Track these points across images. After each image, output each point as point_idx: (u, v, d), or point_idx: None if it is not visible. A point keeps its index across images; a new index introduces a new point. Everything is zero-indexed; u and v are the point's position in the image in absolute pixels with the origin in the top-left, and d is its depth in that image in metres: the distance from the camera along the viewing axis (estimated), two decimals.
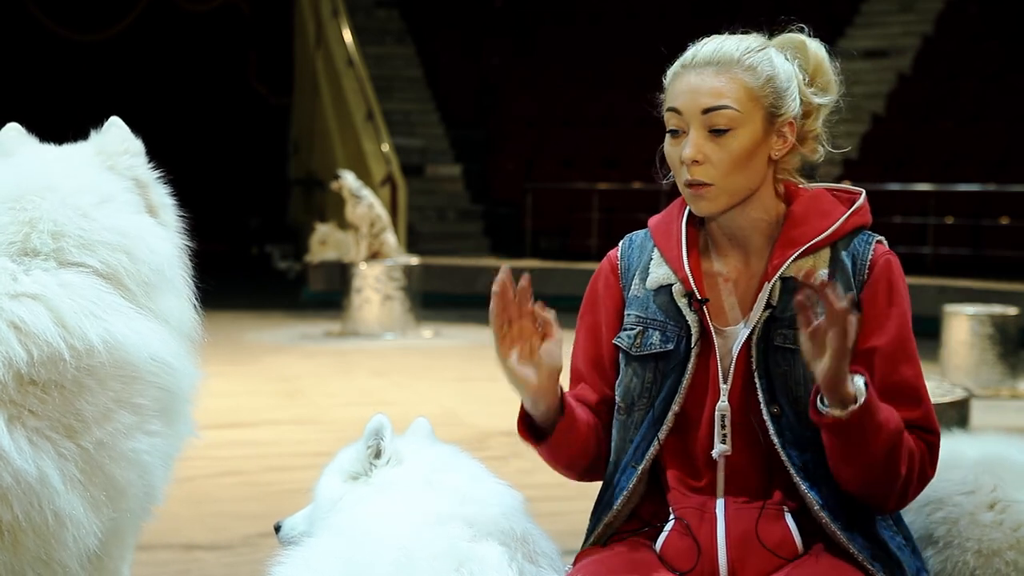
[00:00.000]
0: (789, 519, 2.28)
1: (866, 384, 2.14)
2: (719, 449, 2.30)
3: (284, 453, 6.47)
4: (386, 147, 15.72)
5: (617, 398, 2.40)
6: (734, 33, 2.36)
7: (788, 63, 2.32)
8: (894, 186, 13.94)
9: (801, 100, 2.32)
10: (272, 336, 11.76)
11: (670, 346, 2.34)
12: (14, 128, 2.53)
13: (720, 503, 2.30)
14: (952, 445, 2.57)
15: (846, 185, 2.46)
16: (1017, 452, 2.72)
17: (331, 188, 12.50)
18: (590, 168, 16.04)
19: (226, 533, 4.96)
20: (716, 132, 2.26)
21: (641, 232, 2.50)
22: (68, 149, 2.52)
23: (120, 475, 2.25)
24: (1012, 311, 8.84)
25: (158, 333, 2.34)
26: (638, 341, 2.36)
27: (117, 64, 20.54)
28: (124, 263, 2.34)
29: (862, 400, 2.13)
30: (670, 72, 2.34)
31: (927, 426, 2.27)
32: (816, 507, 2.24)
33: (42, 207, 2.32)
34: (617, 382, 2.40)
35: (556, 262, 14.66)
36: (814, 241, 2.31)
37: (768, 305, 2.29)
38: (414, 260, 12.21)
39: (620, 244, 2.49)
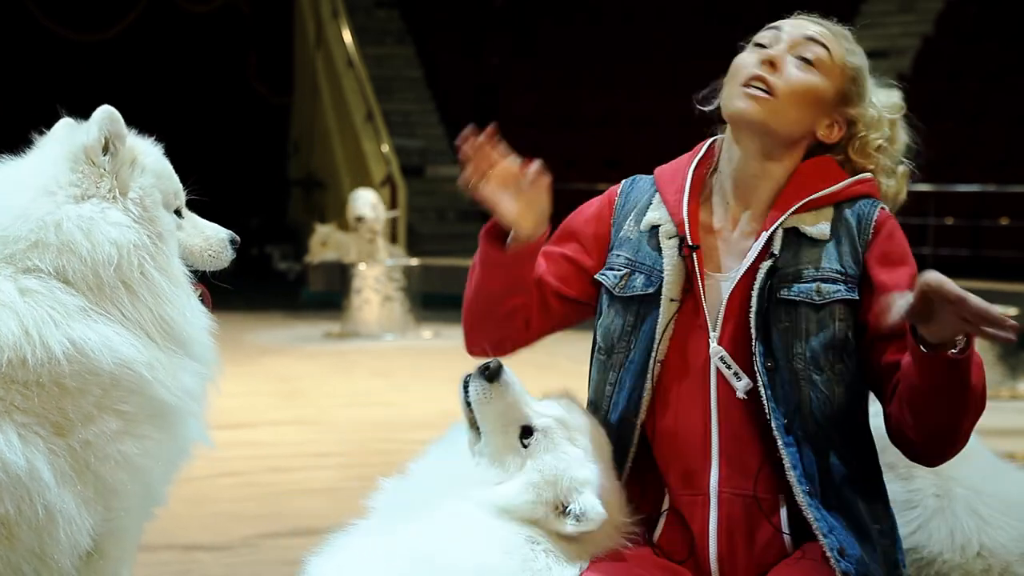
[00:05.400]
0: (783, 513, 2.27)
1: None
2: (741, 385, 2.26)
3: (284, 453, 6.45)
4: (386, 148, 15.70)
5: (597, 338, 2.40)
6: None
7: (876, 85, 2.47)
8: None
9: (869, 111, 2.43)
10: (272, 337, 11.75)
11: (651, 289, 2.33)
12: None
13: (714, 491, 2.28)
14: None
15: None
16: (990, 475, 2.72)
17: (355, 228, 12.02)
18: (590, 168, 16.01)
19: (226, 533, 4.96)
20: (803, 60, 2.35)
21: (649, 177, 2.50)
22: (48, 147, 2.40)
23: (109, 475, 2.25)
24: (1012, 311, 8.83)
25: (126, 338, 2.28)
26: (622, 283, 2.36)
27: (117, 64, 20.50)
28: (72, 262, 2.26)
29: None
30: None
31: None
32: (788, 466, 2.21)
33: None
34: (598, 322, 2.40)
35: None
36: (816, 196, 2.32)
37: (771, 255, 2.28)
38: (414, 261, 12.20)
39: (623, 181, 2.50)
